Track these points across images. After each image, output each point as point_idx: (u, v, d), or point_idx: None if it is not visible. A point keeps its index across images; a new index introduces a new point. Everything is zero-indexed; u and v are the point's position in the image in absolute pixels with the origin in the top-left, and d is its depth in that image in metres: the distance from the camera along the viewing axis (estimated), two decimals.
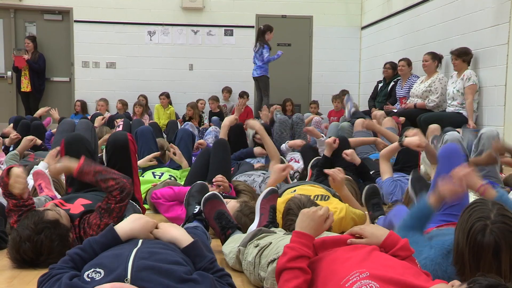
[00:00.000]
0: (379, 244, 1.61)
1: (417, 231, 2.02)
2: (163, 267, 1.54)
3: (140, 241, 1.74)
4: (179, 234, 1.79)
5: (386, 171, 3.91)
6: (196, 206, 2.58)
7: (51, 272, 1.59)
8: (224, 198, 2.96)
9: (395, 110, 6.72)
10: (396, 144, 3.83)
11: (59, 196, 3.06)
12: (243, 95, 9.27)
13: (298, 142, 4.98)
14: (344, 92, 9.03)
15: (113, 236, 1.69)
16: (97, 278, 1.49)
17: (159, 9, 9.92)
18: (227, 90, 9.76)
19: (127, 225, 1.73)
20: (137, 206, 2.87)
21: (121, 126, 5.30)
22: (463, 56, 5.84)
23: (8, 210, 2.51)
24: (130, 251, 1.60)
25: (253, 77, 8.45)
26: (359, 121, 5.62)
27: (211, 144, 4.98)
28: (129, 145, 2.96)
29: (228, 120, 4.61)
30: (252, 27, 9.85)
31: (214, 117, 8.72)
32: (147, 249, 1.64)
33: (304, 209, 1.71)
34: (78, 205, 2.59)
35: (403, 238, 1.66)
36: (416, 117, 5.92)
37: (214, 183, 3.15)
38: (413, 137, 3.78)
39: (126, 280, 1.48)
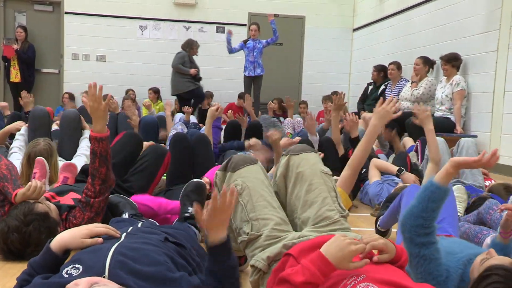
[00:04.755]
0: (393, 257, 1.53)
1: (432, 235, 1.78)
2: (139, 269, 1.47)
3: (124, 234, 1.70)
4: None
5: (375, 176, 3.95)
6: (189, 208, 2.46)
7: None
8: None
9: None
10: (394, 170, 3.93)
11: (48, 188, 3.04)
12: (243, 96, 9.05)
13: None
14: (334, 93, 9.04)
15: (50, 254, 1.60)
16: (75, 274, 1.44)
17: (151, 4, 9.88)
18: (210, 95, 9.32)
19: (59, 237, 1.63)
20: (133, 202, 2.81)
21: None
22: (453, 62, 5.89)
23: None
24: (110, 246, 1.55)
25: (253, 76, 8.36)
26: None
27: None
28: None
29: (211, 112, 4.39)
30: (244, 25, 9.85)
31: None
32: (129, 244, 1.58)
33: (340, 235, 1.50)
34: (68, 199, 2.58)
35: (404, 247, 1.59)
36: (405, 121, 5.95)
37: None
38: (409, 175, 3.86)
39: (104, 277, 1.44)
